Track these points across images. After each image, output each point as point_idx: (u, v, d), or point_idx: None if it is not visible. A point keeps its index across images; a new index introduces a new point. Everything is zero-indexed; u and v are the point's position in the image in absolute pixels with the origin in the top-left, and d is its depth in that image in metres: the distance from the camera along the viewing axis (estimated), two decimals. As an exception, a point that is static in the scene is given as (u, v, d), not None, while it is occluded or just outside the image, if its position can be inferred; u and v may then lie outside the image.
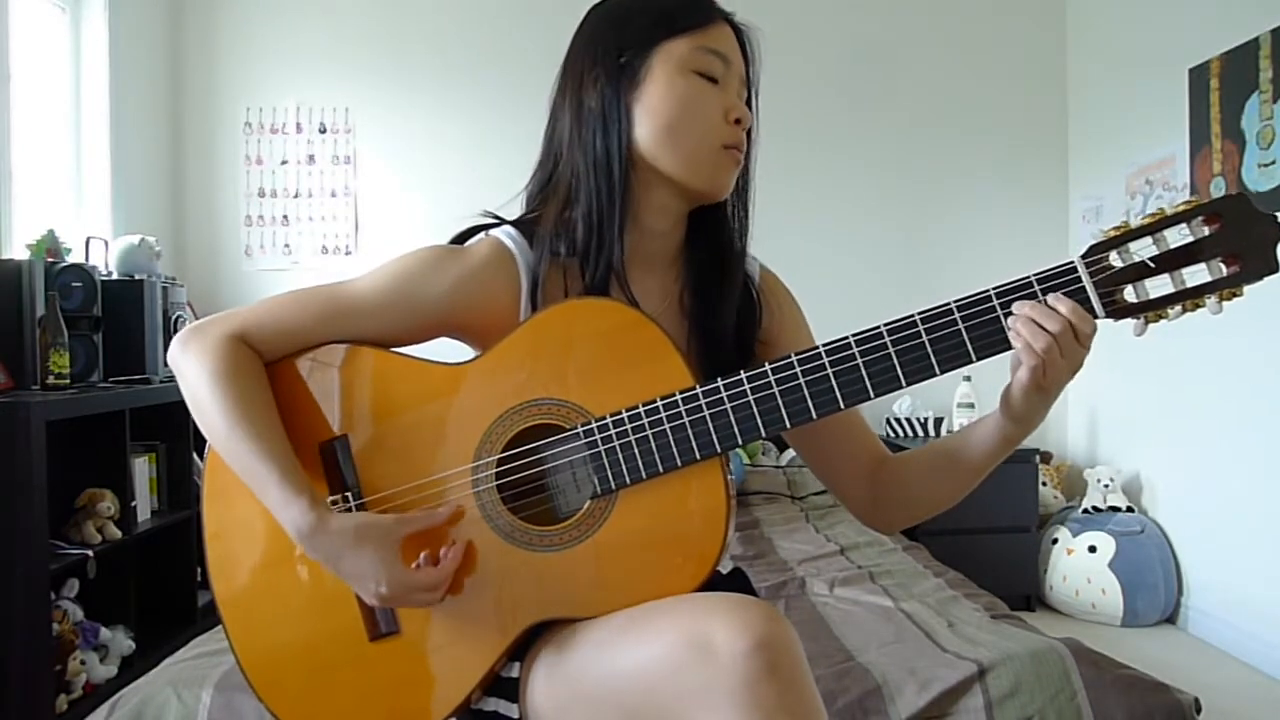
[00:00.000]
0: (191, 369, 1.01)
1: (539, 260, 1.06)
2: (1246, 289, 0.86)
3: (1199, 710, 1.69)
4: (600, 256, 1.04)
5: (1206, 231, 0.86)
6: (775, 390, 0.94)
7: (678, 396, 0.95)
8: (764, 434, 0.95)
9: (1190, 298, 0.87)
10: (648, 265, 1.09)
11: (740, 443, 0.95)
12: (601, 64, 1.05)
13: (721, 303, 1.10)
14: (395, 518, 0.99)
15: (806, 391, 0.93)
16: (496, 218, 1.12)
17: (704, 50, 1.03)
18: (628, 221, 1.05)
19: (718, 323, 1.10)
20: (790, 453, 3.77)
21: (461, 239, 1.12)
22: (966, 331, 0.91)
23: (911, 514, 1.14)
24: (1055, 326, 0.88)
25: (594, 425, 0.97)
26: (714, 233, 1.13)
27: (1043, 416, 0.96)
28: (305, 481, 0.98)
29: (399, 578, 0.95)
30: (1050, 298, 0.89)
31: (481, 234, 1.11)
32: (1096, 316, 0.89)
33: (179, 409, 3.02)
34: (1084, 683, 1.70)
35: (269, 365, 1.05)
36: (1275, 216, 0.86)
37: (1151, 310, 0.88)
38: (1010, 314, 0.90)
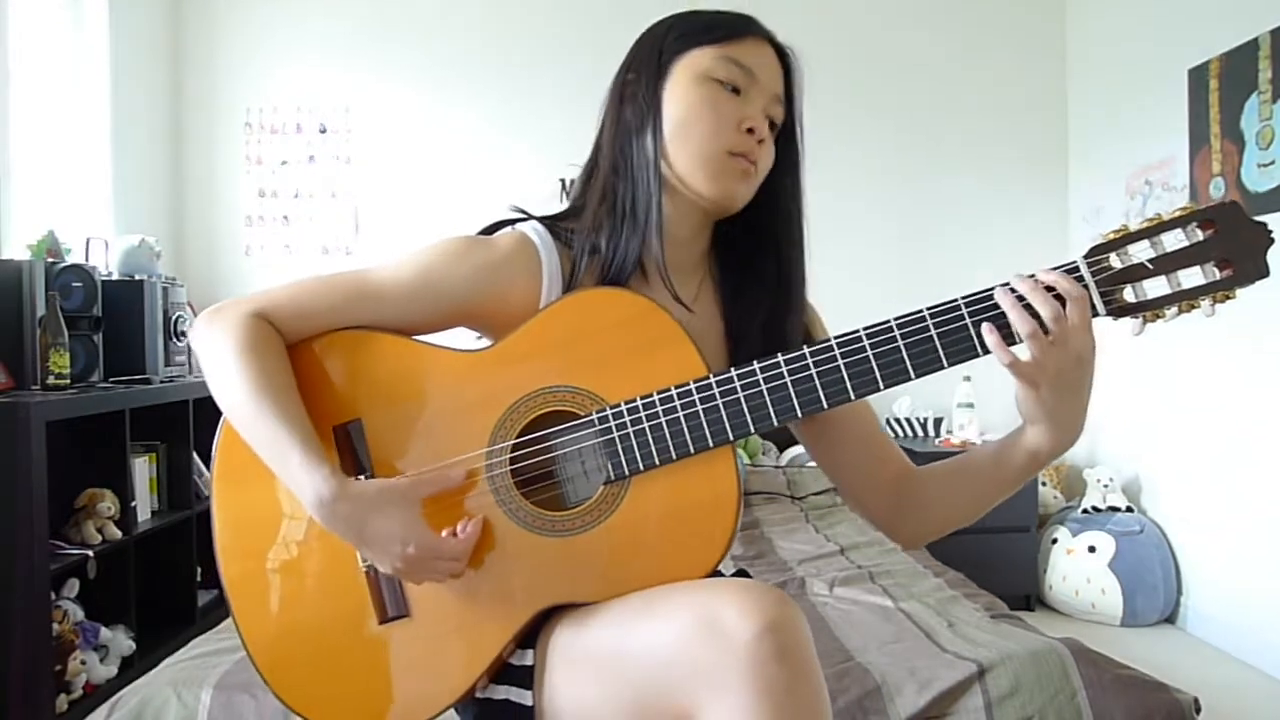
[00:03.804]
0: (216, 343, 1.02)
1: (578, 257, 1.07)
2: (1239, 292, 0.90)
3: (1199, 710, 1.69)
4: (630, 246, 1.06)
5: (1201, 236, 0.90)
6: (787, 380, 0.96)
7: (691, 385, 0.97)
8: (775, 423, 0.96)
9: (1185, 299, 0.90)
10: (671, 269, 1.09)
11: (752, 430, 0.97)
12: (639, 70, 1.08)
13: (748, 309, 1.11)
14: (412, 479, 1.00)
15: (818, 381, 0.95)
16: (524, 212, 1.13)
17: (727, 60, 1.05)
18: (658, 220, 1.06)
19: (743, 327, 1.11)
20: (790, 453, 3.77)
21: (489, 231, 1.13)
22: (973, 326, 0.93)
23: (938, 527, 1.14)
24: (1048, 311, 0.90)
25: (608, 412, 0.99)
26: (736, 243, 1.14)
27: (1066, 423, 0.96)
28: (324, 453, 0.98)
29: (425, 538, 0.96)
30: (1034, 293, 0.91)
31: (508, 227, 1.12)
32: (1097, 315, 0.92)
33: (179, 409, 3.05)
34: (1084, 683, 1.70)
35: (287, 347, 1.06)
36: (1266, 225, 0.89)
37: (1149, 310, 0.91)
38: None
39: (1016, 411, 0.98)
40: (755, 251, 1.13)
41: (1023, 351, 0.92)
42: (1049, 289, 0.91)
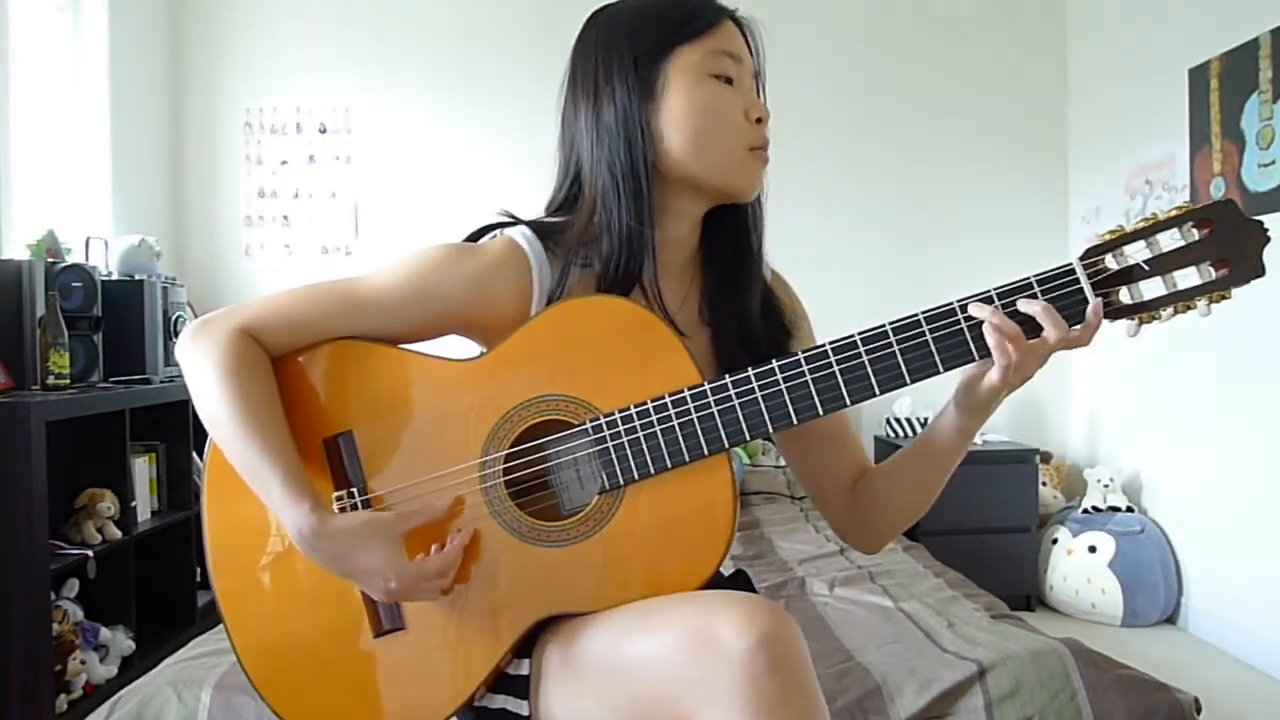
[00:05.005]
0: (199, 364, 1.01)
1: (564, 267, 1.05)
2: (1235, 292, 0.89)
3: (1199, 710, 1.69)
4: (630, 266, 1.04)
5: (1197, 236, 0.89)
6: (782, 387, 0.95)
7: (686, 393, 0.96)
8: (771, 429, 0.96)
9: (1181, 300, 0.90)
10: (665, 271, 1.09)
11: (747, 438, 0.96)
12: (617, 78, 1.04)
13: (739, 304, 1.11)
14: (395, 514, 0.99)
15: (813, 388, 0.95)
16: (512, 217, 1.11)
17: (716, 53, 1.03)
18: (653, 234, 1.05)
19: (736, 325, 1.11)
20: (790, 453, 3.77)
21: (475, 237, 1.11)
22: (969, 330, 0.93)
23: (886, 524, 1.14)
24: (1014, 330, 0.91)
25: (602, 421, 0.98)
26: (730, 234, 1.13)
27: (994, 408, 1.00)
28: (308, 484, 0.97)
29: (406, 569, 0.95)
30: (1020, 302, 0.92)
31: (495, 232, 1.11)
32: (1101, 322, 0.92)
33: (179, 409, 3.05)
34: (1084, 683, 1.70)
35: (276, 359, 1.05)
36: (1262, 223, 0.89)
37: (1145, 311, 0.91)
38: (1013, 311, 0.92)
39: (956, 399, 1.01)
40: (728, 234, 1.13)
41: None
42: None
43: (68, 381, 2.61)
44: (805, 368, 0.95)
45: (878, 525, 1.14)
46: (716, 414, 0.95)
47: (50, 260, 2.72)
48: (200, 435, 1.03)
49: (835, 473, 1.16)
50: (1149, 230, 0.90)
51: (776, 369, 0.95)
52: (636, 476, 0.97)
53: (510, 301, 1.05)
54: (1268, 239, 0.88)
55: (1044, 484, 3.72)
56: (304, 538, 0.95)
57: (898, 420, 3.84)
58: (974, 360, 0.93)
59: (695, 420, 0.96)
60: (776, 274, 1.21)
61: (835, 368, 0.94)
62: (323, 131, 3.96)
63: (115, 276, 3.07)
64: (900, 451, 1.12)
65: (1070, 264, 0.91)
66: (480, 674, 1.00)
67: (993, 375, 0.93)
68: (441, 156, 3.97)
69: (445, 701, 1.01)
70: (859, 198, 4.03)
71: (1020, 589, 3.47)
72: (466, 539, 1.00)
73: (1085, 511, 3.51)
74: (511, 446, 1.00)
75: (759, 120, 1.05)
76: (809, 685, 0.85)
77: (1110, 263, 0.91)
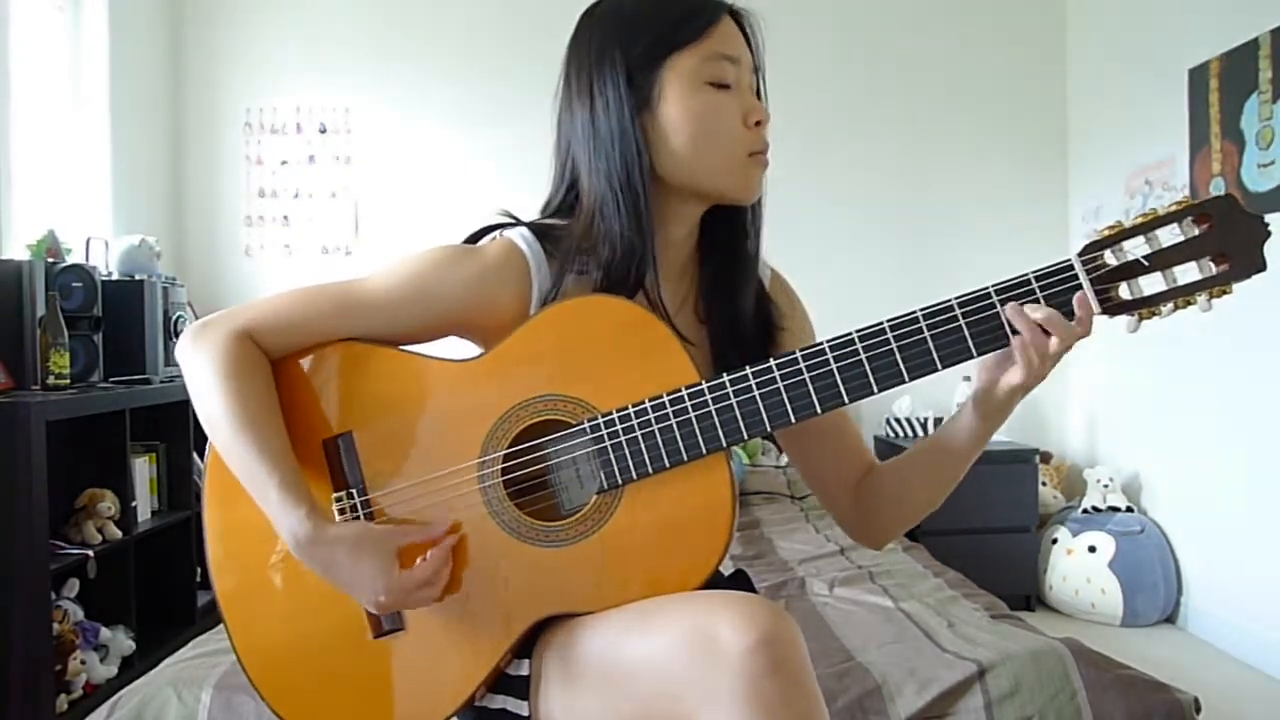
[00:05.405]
0: (199, 366, 1.01)
1: (561, 272, 1.05)
2: (1236, 287, 0.89)
3: (1199, 710, 1.69)
4: (629, 276, 1.03)
5: (1197, 231, 0.89)
6: (780, 385, 0.95)
7: (684, 392, 0.96)
8: (769, 428, 0.96)
9: (1181, 295, 0.89)
10: (665, 272, 1.09)
11: (745, 437, 0.96)
12: (611, 86, 1.02)
13: (732, 303, 1.11)
14: (392, 528, 0.99)
15: (810, 386, 0.94)
16: (512, 218, 1.11)
17: (713, 58, 1.01)
18: (656, 238, 1.04)
19: (733, 324, 1.11)
20: (790, 453, 3.77)
21: (475, 238, 1.11)
22: (967, 328, 0.92)
23: (896, 521, 1.14)
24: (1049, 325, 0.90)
25: (600, 421, 0.97)
26: (726, 234, 1.13)
27: (1010, 412, 0.99)
28: (305, 490, 0.97)
29: (397, 583, 0.96)
30: (1028, 308, 0.91)
31: (495, 233, 1.10)
32: (1092, 313, 0.91)
33: (179, 409, 3.05)
34: (1084, 683, 1.70)
35: (275, 361, 1.05)
36: (1262, 217, 0.88)
37: (1145, 307, 0.91)
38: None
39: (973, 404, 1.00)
40: (725, 234, 1.12)
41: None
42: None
43: (68, 381, 2.61)
44: (803, 365, 0.95)
45: (887, 521, 1.14)
46: (715, 413, 0.95)
47: (50, 260, 2.72)
48: (200, 435, 1.03)
49: (839, 470, 1.16)
50: (1148, 226, 0.89)
51: (774, 368, 0.95)
52: (635, 476, 0.97)
53: (510, 303, 1.05)
54: (1268, 233, 0.87)
55: (1044, 484, 3.72)
56: (299, 543, 0.95)
57: (898, 420, 3.84)
58: (972, 358, 0.93)
59: (694, 420, 0.95)
60: (777, 274, 1.21)
61: (833, 366, 0.94)
62: (323, 131, 3.96)
63: (115, 276, 3.07)
64: (913, 449, 1.11)
65: (1069, 260, 0.91)
66: (480, 674, 1.00)
67: (1013, 376, 0.93)
68: (441, 156, 3.97)
69: (445, 702, 1.01)
70: (859, 197, 4.03)
71: (1020, 589, 3.47)
72: (451, 544, 1.00)
73: (1085, 511, 3.51)
74: (510, 446, 1.00)
75: (758, 123, 1.03)
76: (808, 685, 0.85)
77: (1109, 258, 0.90)
